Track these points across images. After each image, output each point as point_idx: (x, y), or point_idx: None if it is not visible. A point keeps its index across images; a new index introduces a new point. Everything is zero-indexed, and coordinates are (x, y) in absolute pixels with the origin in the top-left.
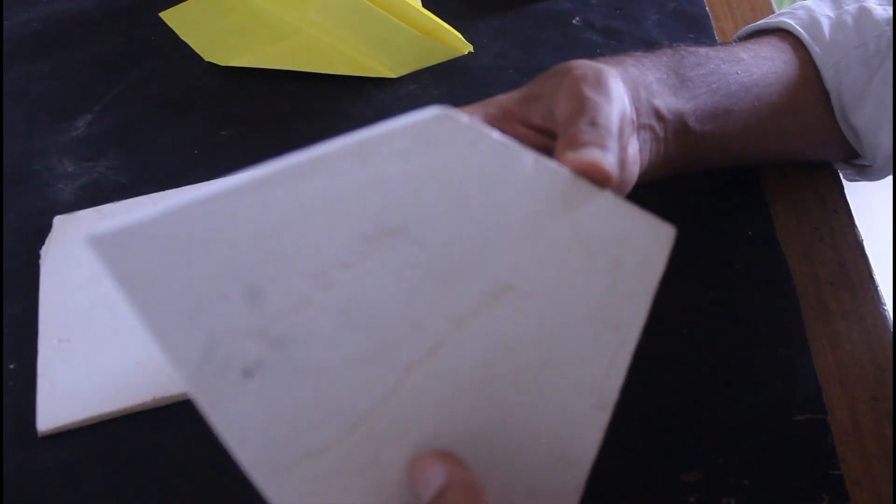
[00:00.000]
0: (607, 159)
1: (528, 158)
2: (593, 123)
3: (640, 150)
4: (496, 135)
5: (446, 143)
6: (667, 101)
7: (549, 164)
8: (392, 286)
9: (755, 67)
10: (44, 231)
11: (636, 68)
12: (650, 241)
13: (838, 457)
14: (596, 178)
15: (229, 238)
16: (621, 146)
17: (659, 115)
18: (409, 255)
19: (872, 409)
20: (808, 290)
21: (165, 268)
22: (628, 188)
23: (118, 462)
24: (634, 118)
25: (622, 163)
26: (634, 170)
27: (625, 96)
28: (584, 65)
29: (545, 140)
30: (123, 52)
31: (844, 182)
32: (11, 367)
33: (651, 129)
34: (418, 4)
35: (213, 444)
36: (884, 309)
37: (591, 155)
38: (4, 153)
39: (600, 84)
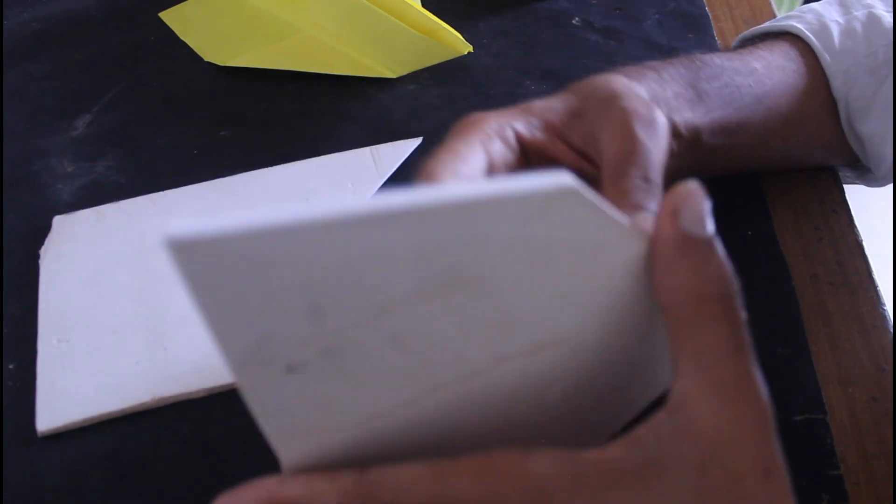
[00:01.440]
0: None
1: (637, 246)
2: (646, 179)
3: None
4: (624, 220)
5: (563, 223)
6: (685, 117)
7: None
8: (447, 326)
9: (767, 78)
10: (43, 231)
11: (657, 83)
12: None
13: (838, 457)
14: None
15: (304, 266)
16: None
17: (676, 132)
18: (473, 304)
19: (872, 409)
20: (808, 290)
21: (237, 281)
22: None
23: (118, 462)
24: None
25: None
26: None
27: (666, 130)
28: (632, 94)
29: (582, 162)
30: (123, 52)
31: (846, 183)
32: (11, 367)
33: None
34: (418, 4)
35: (212, 445)
36: (883, 309)
37: (646, 224)
38: (4, 153)
39: (652, 124)
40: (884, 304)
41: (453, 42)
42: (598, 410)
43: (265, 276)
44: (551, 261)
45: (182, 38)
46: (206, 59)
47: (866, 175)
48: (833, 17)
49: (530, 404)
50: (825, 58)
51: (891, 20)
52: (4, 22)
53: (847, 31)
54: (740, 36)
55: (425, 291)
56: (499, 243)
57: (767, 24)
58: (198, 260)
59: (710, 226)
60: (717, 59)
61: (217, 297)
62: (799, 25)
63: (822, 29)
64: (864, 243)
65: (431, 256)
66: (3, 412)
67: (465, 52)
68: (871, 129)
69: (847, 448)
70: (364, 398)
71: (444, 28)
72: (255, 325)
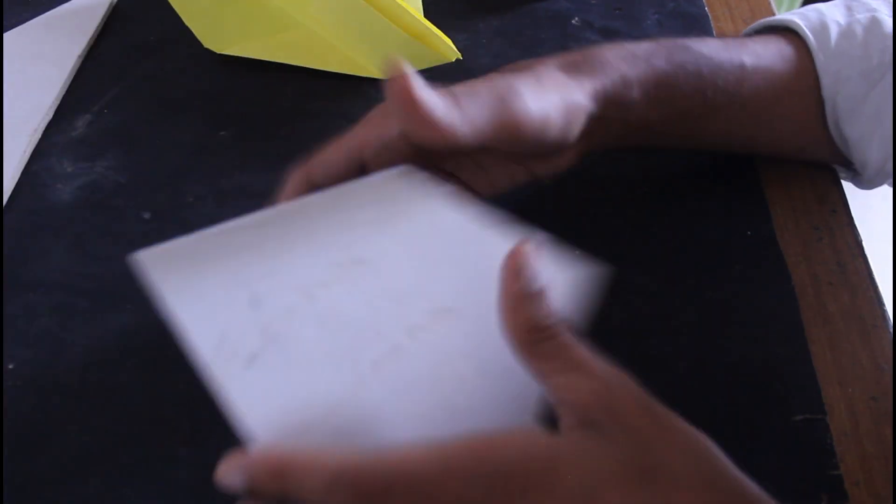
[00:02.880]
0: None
1: (470, 211)
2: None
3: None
4: (445, 189)
5: (403, 196)
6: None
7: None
8: (358, 302)
9: (753, 73)
10: (43, 231)
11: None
12: (578, 278)
13: (837, 457)
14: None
15: (239, 259)
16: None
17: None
18: (370, 280)
19: (871, 409)
20: (807, 290)
21: (192, 279)
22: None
23: (119, 464)
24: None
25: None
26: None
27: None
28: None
29: None
30: (123, 52)
31: (844, 182)
32: (10, 367)
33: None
34: (411, 7)
35: (217, 451)
36: (883, 309)
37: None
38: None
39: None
40: (883, 304)
41: (442, 48)
42: (514, 383)
43: (213, 272)
44: (410, 236)
45: (186, 22)
46: (204, 46)
47: (858, 176)
48: (835, 17)
49: (454, 383)
50: (819, 57)
51: (893, 25)
52: (4, 22)
53: (846, 33)
54: (744, 32)
55: (332, 272)
56: (366, 224)
57: (771, 19)
58: (161, 266)
59: (541, 280)
60: (704, 49)
61: (182, 299)
62: (799, 21)
63: (822, 28)
64: (864, 243)
65: (324, 241)
66: (3, 412)
67: (453, 60)
68: (857, 133)
69: (847, 448)
70: (315, 383)
71: (435, 33)
72: (215, 323)
